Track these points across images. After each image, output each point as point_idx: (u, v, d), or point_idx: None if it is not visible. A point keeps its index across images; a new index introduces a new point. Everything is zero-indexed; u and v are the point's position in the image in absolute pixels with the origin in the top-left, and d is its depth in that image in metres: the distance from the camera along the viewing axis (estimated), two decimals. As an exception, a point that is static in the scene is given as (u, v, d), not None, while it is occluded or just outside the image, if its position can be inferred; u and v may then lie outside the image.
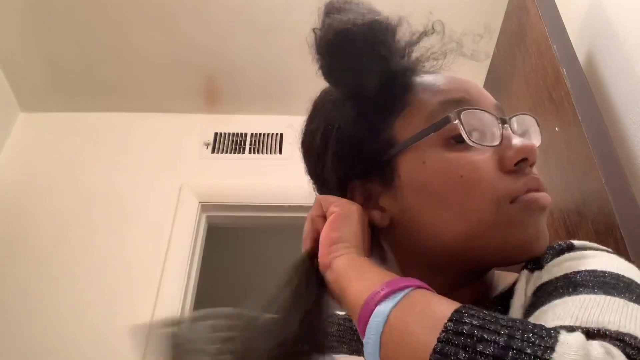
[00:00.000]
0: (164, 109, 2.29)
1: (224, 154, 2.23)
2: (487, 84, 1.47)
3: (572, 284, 0.42)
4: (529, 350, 0.32)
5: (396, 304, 0.40)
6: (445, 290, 0.43)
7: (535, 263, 0.49)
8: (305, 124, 0.62)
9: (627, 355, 0.32)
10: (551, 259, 0.49)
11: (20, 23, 2.04)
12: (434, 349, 0.35)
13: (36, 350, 1.74)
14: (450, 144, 0.51)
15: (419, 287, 0.42)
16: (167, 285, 1.86)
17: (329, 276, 0.50)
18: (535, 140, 0.56)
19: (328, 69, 0.56)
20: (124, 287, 1.86)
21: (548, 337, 0.32)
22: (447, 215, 0.51)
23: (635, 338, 0.34)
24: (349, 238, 0.52)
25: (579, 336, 0.33)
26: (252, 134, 2.28)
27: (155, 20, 2.04)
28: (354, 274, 0.47)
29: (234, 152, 2.24)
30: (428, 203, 0.52)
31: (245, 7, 2.00)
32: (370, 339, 0.40)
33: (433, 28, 0.57)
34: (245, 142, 2.27)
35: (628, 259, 0.65)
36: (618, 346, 0.33)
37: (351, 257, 0.50)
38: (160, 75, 2.21)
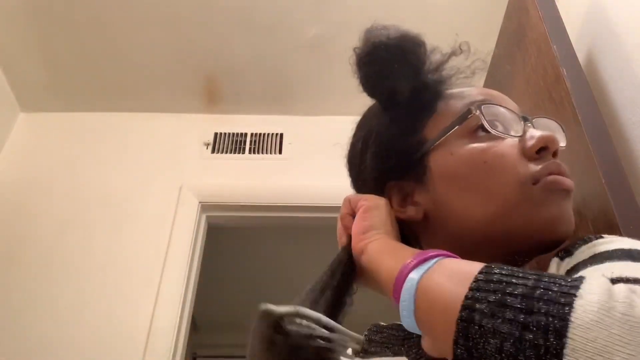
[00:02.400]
0: (164, 109, 2.29)
1: (224, 154, 2.23)
2: (487, 85, 1.47)
3: (599, 258, 0.45)
4: (555, 288, 0.34)
5: (427, 270, 0.43)
6: None
7: (566, 252, 0.51)
8: (349, 141, 0.68)
9: None
10: (580, 248, 0.50)
11: (20, 23, 2.04)
12: (466, 296, 0.37)
13: (36, 350, 1.73)
14: (475, 136, 0.57)
15: (448, 256, 0.45)
16: (167, 285, 1.86)
17: (364, 260, 0.54)
18: (561, 142, 0.59)
19: (365, 78, 0.62)
20: (124, 287, 1.86)
21: (573, 280, 0.35)
22: (474, 198, 0.55)
23: None
24: (379, 225, 0.56)
25: (602, 278, 0.35)
26: (252, 134, 2.28)
27: (155, 20, 2.04)
28: (387, 254, 0.51)
29: (234, 152, 2.24)
30: (457, 190, 0.56)
31: (245, 7, 2.00)
32: (405, 301, 0.43)
33: (460, 49, 0.63)
34: (245, 142, 2.26)
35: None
36: None
37: (383, 240, 0.54)
38: (160, 75, 2.21)
